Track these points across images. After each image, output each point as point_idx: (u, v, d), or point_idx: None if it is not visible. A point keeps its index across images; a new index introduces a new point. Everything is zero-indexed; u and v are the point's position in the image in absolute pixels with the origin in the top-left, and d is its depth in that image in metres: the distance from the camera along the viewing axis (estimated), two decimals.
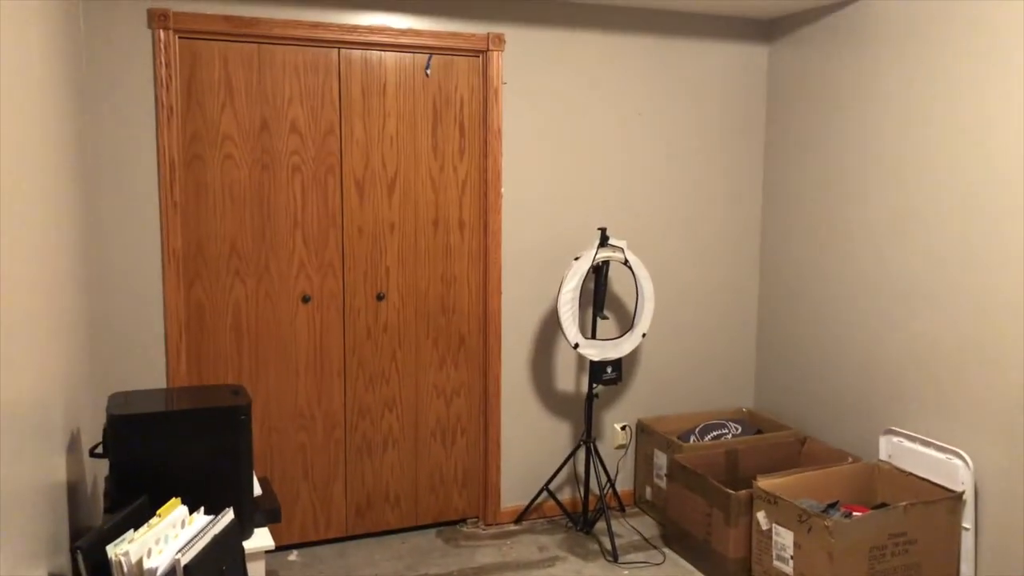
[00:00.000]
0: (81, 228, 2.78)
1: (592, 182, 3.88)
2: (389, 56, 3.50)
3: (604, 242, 3.57)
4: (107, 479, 2.11)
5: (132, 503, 1.93)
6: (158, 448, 2.04)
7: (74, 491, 2.19)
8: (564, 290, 3.51)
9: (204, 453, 2.08)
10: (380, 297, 3.60)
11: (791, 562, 3.03)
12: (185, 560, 1.71)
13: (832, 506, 3.13)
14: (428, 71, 3.56)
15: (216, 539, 1.82)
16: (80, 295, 2.66)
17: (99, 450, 2.12)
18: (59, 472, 1.99)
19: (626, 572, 3.43)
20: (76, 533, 2.11)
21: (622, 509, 4.05)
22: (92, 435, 2.68)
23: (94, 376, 3.02)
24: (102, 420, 2.89)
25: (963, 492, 3.11)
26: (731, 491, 3.21)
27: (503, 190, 3.71)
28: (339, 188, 3.48)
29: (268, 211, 3.39)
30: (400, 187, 3.58)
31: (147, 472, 2.02)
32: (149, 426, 2.04)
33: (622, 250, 3.59)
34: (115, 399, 2.15)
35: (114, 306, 3.19)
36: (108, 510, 2.05)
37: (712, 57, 4.02)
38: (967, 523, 3.13)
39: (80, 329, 2.61)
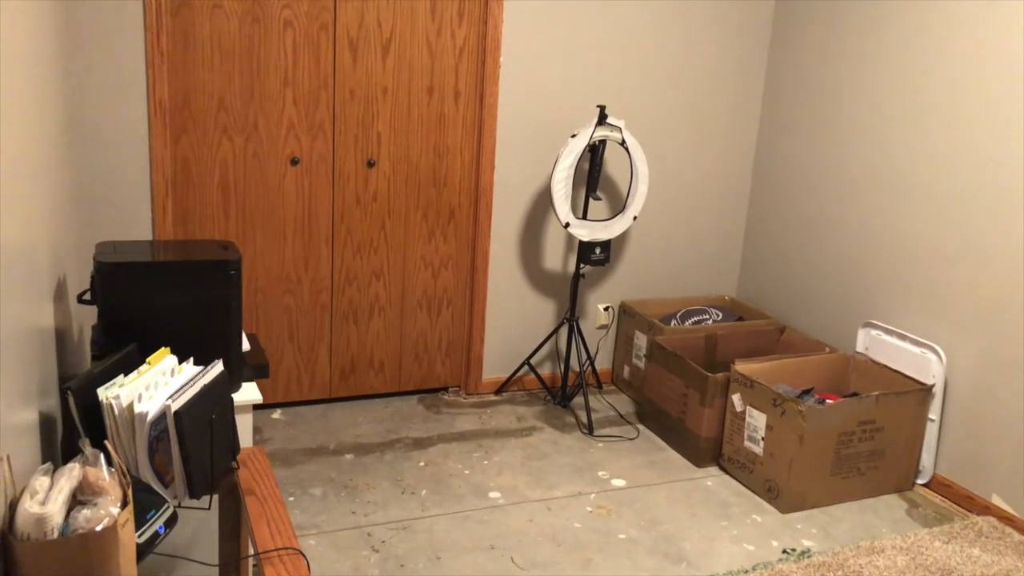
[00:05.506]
0: (64, 75, 2.67)
1: (595, 59, 3.76)
2: None
3: (602, 120, 3.49)
4: (94, 327, 2.11)
5: (121, 350, 1.93)
6: (148, 297, 2.03)
7: (61, 337, 2.19)
8: (559, 168, 3.46)
9: (194, 305, 2.07)
10: (371, 164, 3.53)
11: (762, 443, 3.13)
12: (176, 406, 1.73)
13: (806, 392, 3.21)
14: None
15: (206, 388, 1.84)
16: (63, 142, 2.58)
17: (87, 296, 2.11)
18: (46, 317, 1.98)
19: (600, 444, 3.55)
20: (64, 378, 2.13)
21: (600, 386, 4.15)
22: (78, 283, 2.67)
23: (79, 227, 2.98)
24: (88, 269, 2.88)
25: (933, 385, 3.20)
26: (708, 373, 3.29)
27: (502, 59, 3.59)
28: (332, 47, 3.35)
29: (258, 67, 3.28)
30: (395, 50, 3.45)
31: (136, 321, 2.02)
32: (140, 275, 2.02)
33: (620, 130, 3.52)
34: (103, 247, 2.12)
35: (99, 158, 3.11)
36: (96, 357, 2.06)
37: None
38: (933, 415, 3.23)
39: (64, 177, 2.55)
